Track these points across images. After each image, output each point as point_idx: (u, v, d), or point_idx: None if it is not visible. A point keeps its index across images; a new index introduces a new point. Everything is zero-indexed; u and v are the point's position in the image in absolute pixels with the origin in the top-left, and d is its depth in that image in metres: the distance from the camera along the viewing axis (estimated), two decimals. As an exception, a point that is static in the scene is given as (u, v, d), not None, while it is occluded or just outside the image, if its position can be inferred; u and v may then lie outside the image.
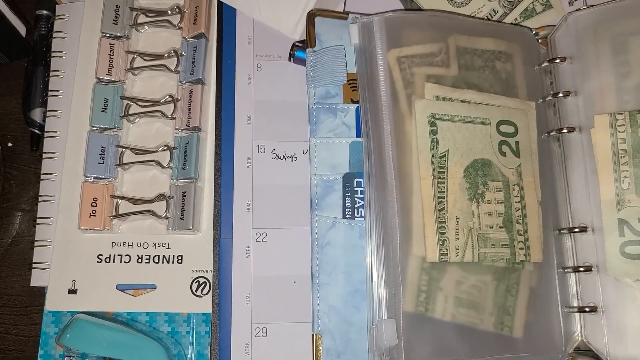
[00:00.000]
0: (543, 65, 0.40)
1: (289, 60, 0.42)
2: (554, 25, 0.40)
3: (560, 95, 0.38)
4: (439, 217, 0.34)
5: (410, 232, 0.34)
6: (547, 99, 0.39)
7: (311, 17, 0.39)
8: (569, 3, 0.44)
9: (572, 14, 0.39)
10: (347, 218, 0.37)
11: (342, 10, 0.43)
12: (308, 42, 0.39)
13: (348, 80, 0.39)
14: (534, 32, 0.41)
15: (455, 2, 0.44)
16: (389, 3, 0.45)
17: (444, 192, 0.35)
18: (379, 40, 0.36)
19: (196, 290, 0.39)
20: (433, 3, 0.44)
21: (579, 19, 0.39)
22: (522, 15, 0.44)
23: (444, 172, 0.35)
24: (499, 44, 0.38)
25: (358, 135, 0.38)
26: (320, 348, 0.35)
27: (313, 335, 0.35)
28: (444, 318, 0.34)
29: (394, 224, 0.34)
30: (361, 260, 0.36)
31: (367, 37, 0.38)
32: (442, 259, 0.34)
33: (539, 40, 0.41)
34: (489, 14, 0.44)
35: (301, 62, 0.41)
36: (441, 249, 0.34)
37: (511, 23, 0.44)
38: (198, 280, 0.40)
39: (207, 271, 0.40)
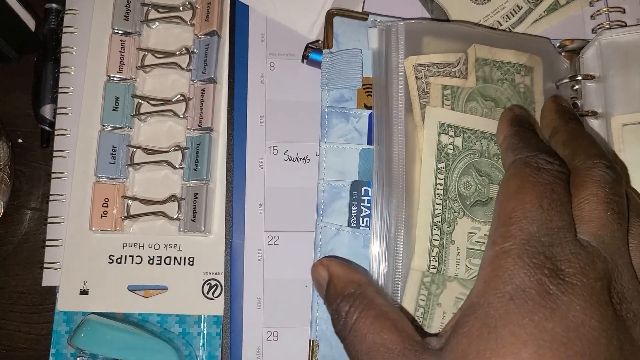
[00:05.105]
0: (564, 81, 0.38)
1: (302, 61, 0.40)
2: (582, 39, 0.39)
3: (586, 114, 0.37)
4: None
5: (412, 246, 0.33)
6: None
7: (330, 16, 0.38)
8: (591, 17, 0.43)
9: (605, 32, 0.37)
10: (352, 226, 0.36)
11: (360, 9, 0.42)
12: (325, 42, 0.38)
13: (363, 85, 0.37)
14: (559, 44, 0.39)
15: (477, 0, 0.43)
16: (409, 2, 0.43)
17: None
18: (397, 46, 0.35)
19: (207, 293, 0.39)
20: (454, 1, 0.42)
21: (612, 38, 0.37)
22: (547, 10, 0.43)
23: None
24: (519, 57, 0.37)
25: (369, 142, 0.37)
26: (317, 355, 0.34)
27: (310, 341, 0.35)
28: None
29: (398, 236, 0.33)
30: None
31: (386, 41, 0.36)
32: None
33: (563, 54, 0.39)
34: (513, 10, 0.43)
35: (315, 64, 0.40)
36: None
37: (535, 21, 0.42)
38: (209, 283, 0.39)
39: (218, 273, 0.39)
